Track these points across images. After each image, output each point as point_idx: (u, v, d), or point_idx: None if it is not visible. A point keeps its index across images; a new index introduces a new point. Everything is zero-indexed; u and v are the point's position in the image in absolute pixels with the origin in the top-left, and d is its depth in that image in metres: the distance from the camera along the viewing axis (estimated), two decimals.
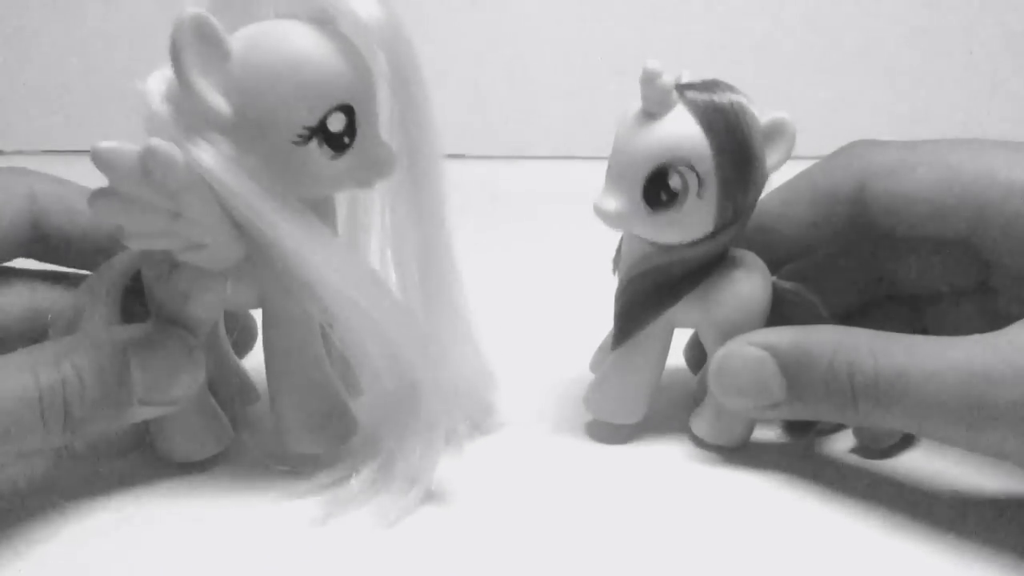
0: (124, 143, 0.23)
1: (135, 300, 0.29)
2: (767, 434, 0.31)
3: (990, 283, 0.29)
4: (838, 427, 0.31)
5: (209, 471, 0.29)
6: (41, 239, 0.29)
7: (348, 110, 0.24)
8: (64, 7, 0.70)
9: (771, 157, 0.27)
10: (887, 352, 0.25)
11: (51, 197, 0.29)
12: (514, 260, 0.48)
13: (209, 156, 0.23)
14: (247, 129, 0.24)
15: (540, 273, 0.47)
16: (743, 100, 0.26)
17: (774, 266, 0.29)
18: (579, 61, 0.70)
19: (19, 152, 0.72)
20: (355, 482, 0.27)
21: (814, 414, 0.27)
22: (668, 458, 0.29)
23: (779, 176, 0.28)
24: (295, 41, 0.24)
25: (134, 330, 0.26)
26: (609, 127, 0.27)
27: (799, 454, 0.30)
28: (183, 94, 0.23)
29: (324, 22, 0.24)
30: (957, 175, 0.27)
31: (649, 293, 0.28)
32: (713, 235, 0.27)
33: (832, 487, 0.28)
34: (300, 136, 0.24)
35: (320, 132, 0.24)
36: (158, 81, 0.24)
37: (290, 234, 0.24)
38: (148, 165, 0.23)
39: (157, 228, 0.24)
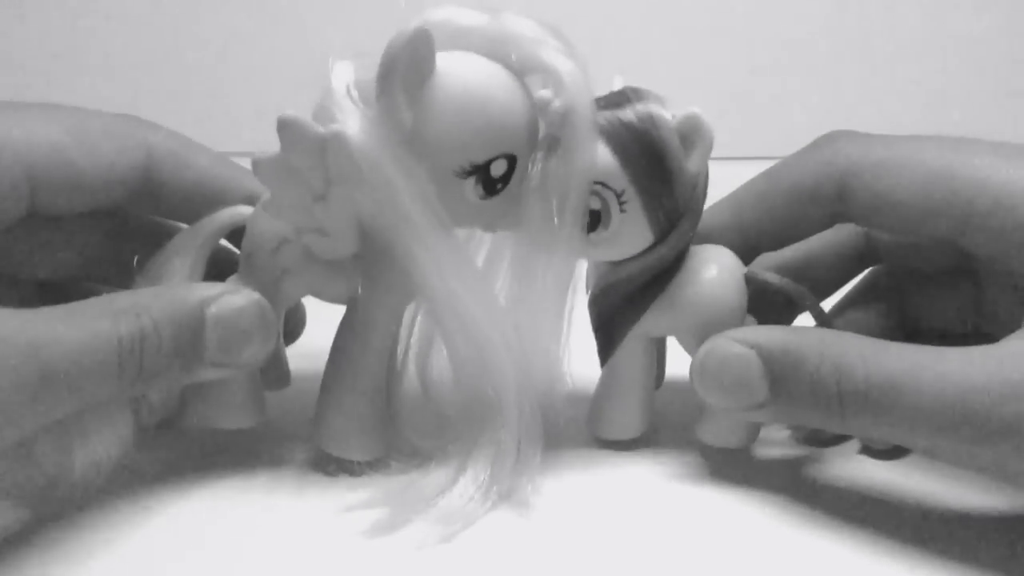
0: (308, 119, 0.24)
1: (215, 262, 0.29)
2: (773, 443, 0.31)
3: (976, 272, 0.28)
4: (842, 438, 0.30)
5: (264, 468, 0.29)
6: (152, 191, 0.29)
7: (512, 160, 0.26)
8: None
9: (692, 155, 0.27)
10: (879, 359, 0.24)
11: (166, 150, 0.29)
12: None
13: (379, 154, 0.24)
14: (418, 146, 0.25)
15: None
16: (651, 106, 0.26)
17: (751, 257, 0.29)
18: None
19: None
20: (422, 489, 0.27)
21: (798, 418, 0.26)
22: (674, 469, 0.30)
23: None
24: (492, 83, 0.25)
25: (213, 289, 0.26)
26: None
27: (803, 463, 0.30)
28: (377, 96, 0.24)
29: (521, 73, 0.26)
30: (944, 180, 0.26)
31: (617, 307, 0.28)
32: (659, 243, 0.27)
33: (832, 499, 0.28)
34: (463, 170, 0.25)
35: (481, 172, 0.25)
36: (344, 69, 0.25)
37: (427, 245, 0.25)
38: (330, 147, 0.23)
39: (299, 204, 0.25)
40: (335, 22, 0.63)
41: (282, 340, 0.31)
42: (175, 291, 0.26)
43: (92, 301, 0.25)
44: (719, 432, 0.29)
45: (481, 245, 0.29)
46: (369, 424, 0.28)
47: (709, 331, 0.27)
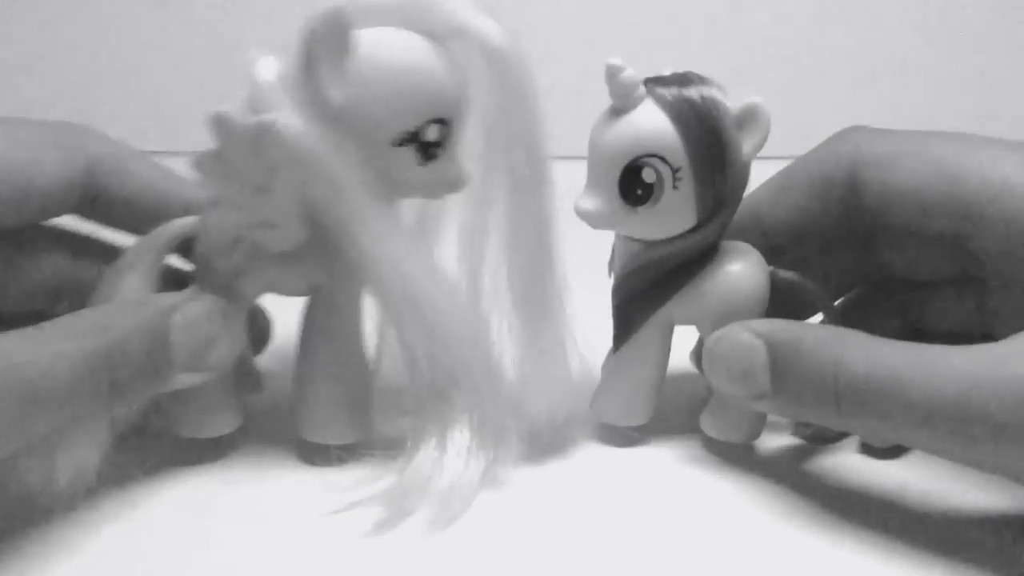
0: (239, 112, 0.24)
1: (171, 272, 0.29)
2: (775, 436, 0.31)
3: (981, 276, 0.29)
4: (843, 435, 0.30)
5: (248, 468, 0.29)
6: (92, 198, 0.29)
7: (444, 124, 0.26)
8: None
9: (747, 143, 0.27)
10: (880, 355, 0.24)
11: (106, 157, 0.29)
12: None
13: (313, 137, 0.25)
14: (351, 122, 0.25)
15: None
16: (714, 91, 0.27)
17: (770, 253, 0.29)
18: (564, 59, 0.68)
19: None
20: (410, 478, 0.27)
21: (798, 412, 0.26)
22: (675, 460, 0.30)
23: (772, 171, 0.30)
24: (414, 51, 0.25)
25: (175, 297, 0.27)
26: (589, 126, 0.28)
27: (804, 456, 0.30)
28: (303, 79, 0.25)
29: (442, 39, 0.26)
30: (947, 171, 0.26)
31: (642, 290, 0.28)
32: (698, 227, 0.27)
33: (831, 493, 0.28)
34: (398, 139, 0.25)
35: (416, 139, 0.26)
36: (268, 64, 0.26)
37: (370, 223, 0.26)
38: (260, 137, 0.24)
39: (241, 199, 0.25)
40: (257, 19, 0.63)
41: (250, 348, 0.32)
42: (138, 304, 0.26)
43: (57, 321, 0.25)
44: (723, 426, 0.29)
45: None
46: (347, 408, 0.28)
47: (730, 322, 0.28)
